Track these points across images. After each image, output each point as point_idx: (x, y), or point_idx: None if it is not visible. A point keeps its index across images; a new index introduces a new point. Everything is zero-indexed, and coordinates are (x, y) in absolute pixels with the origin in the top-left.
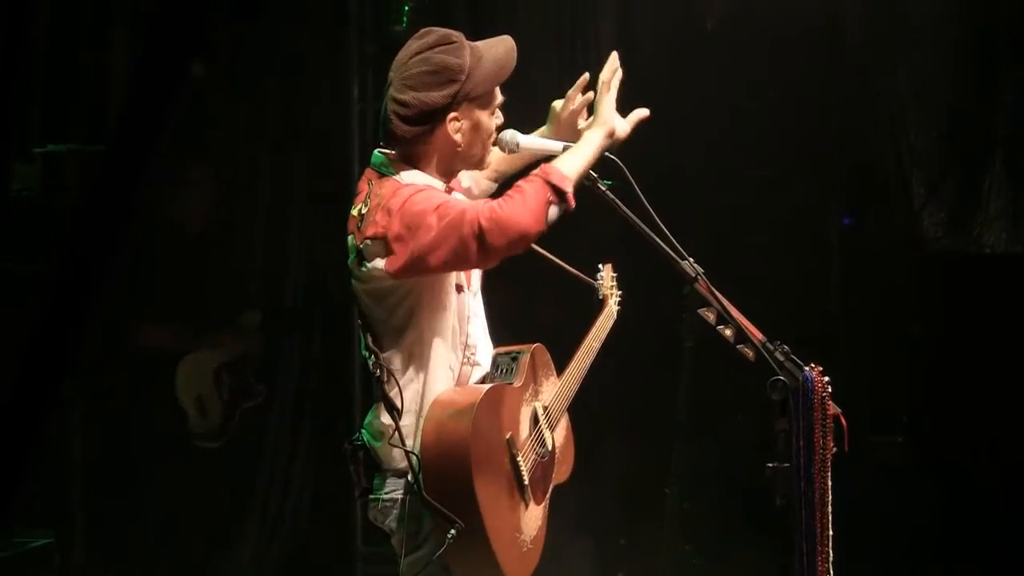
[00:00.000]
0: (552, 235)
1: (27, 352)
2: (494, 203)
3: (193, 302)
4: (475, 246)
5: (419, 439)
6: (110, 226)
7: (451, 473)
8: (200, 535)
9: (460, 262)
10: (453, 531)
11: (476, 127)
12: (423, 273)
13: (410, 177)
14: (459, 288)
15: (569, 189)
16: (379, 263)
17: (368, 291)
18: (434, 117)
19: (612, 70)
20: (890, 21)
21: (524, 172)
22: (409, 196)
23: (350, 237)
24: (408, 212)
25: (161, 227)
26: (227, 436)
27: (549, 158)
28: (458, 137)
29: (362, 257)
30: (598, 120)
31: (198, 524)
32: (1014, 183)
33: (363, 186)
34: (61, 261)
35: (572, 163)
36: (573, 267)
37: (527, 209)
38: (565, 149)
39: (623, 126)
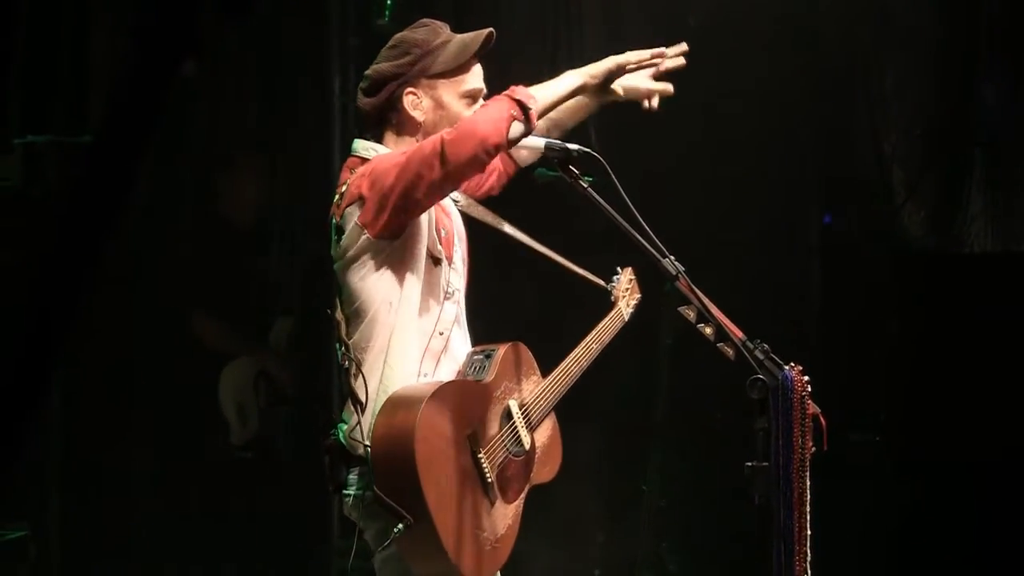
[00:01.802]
0: (537, 231)
1: (4, 344)
2: (462, 127)
3: (237, 304)
4: (437, 161)
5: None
6: (96, 225)
7: (398, 467)
8: (178, 529)
9: (425, 186)
10: (401, 526)
11: (440, 106)
12: (394, 216)
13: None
14: (436, 260)
15: (533, 107)
16: (354, 221)
17: (343, 266)
18: (385, 86)
19: (659, 54)
20: (871, 21)
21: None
22: (381, 157)
23: (331, 219)
24: (377, 169)
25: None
26: (261, 446)
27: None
28: (416, 114)
29: (341, 231)
30: (588, 65)
31: (176, 517)
32: (993, 183)
33: (344, 174)
34: (44, 257)
35: (542, 88)
36: (581, 267)
37: (488, 119)
38: (548, 146)
39: (600, 69)
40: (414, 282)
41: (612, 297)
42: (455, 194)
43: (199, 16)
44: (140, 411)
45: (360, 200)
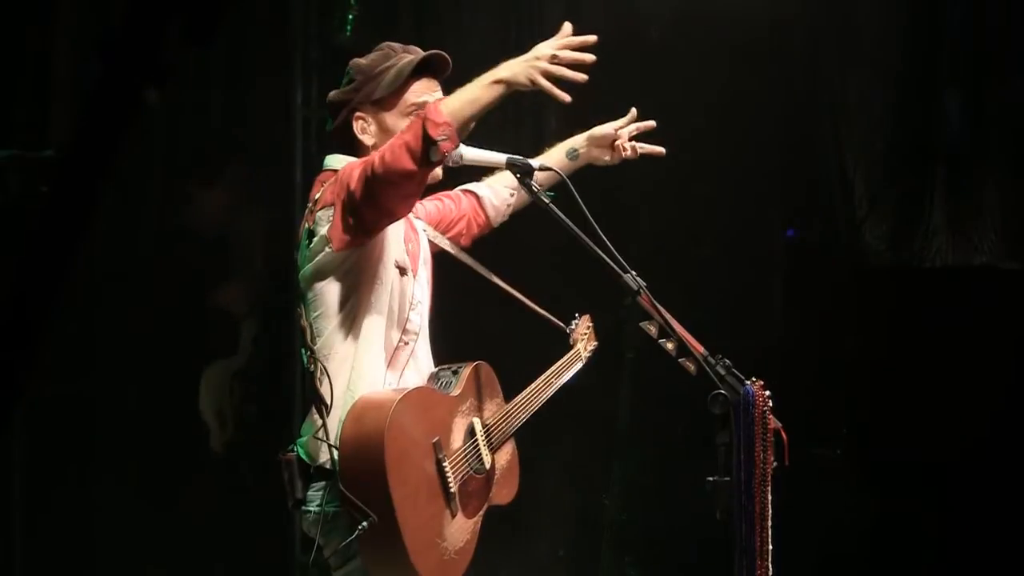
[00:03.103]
0: (496, 246)
1: None
2: (385, 147)
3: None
4: (363, 187)
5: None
6: (62, 238)
7: (366, 466)
8: (142, 541)
9: (366, 204)
10: (365, 524)
11: (384, 130)
12: (354, 227)
13: None
14: (403, 271)
15: (444, 131)
16: (323, 229)
17: (310, 273)
18: (339, 113)
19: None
20: (834, 35)
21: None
22: (349, 164)
23: (303, 226)
24: (344, 173)
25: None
26: (233, 447)
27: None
28: (365, 138)
29: (312, 235)
30: (503, 65)
31: (140, 530)
32: (955, 197)
33: (316, 187)
34: (8, 270)
35: (450, 102)
36: (541, 299)
37: (407, 150)
38: (509, 162)
39: (522, 73)
40: (380, 291)
41: (571, 340)
42: (422, 224)
43: (164, 40)
44: (107, 414)
45: (331, 206)
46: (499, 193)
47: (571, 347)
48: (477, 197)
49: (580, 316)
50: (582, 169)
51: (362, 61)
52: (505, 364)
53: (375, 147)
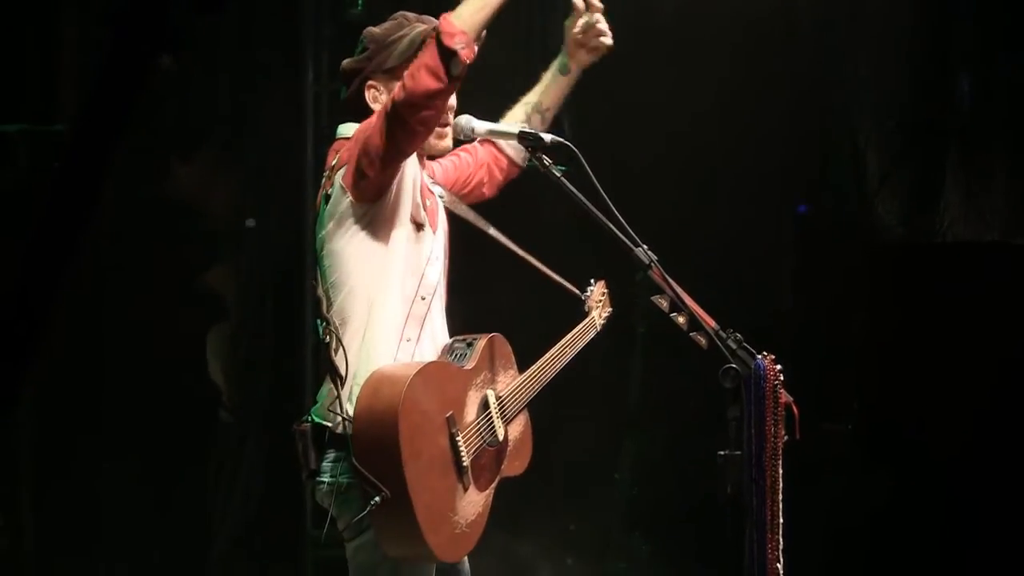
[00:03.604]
0: (507, 220)
1: None
2: (405, 75)
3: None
4: (385, 124)
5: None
6: (72, 214)
7: (380, 441)
8: (150, 518)
9: (393, 144)
10: (377, 499)
11: None
12: (373, 177)
13: None
14: (419, 226)
15: (460, 39)
16: (339, 182)
17: (327, 236)
18: (352, 81)
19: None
20: (845, 9)
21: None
22: (363, 124)
23: (320, 194)
24: (361, 130)
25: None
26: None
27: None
28: (376, 107)
29: (329, 198)
30: None
31: (148, 507)
32: (966, 173)
33: (331, 155)
34: (19, 247)
35: (461, 11)
36: (555, 272)
37: (428, 70)
38: (521, 134)
39: None
40: (397, 246)
41: (586, 307)
42: (440, 189)
43: (174, 8)
44: (114, 392)
45: (347, 164)
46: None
47: (586, 314)
48: (494, 144)
49: (596, 282)
50: (592, 144)
51: (376, 30)
52: (519, 336)
53: None
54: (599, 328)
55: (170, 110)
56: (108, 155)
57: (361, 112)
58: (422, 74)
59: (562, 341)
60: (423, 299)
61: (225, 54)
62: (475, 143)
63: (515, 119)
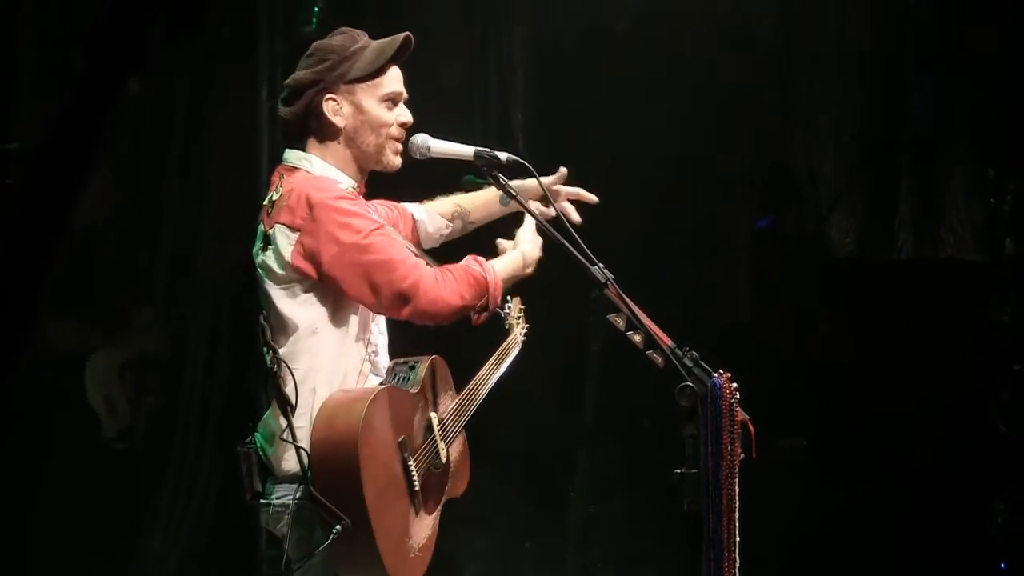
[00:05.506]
0: (460, 238)
1: None
2: (436, 274)
3: (87, 300)
4: (399, 302)
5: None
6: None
7: (339, 468)
8: (101, 537)
9: (368, 301)
10: (339, 527)
11: (360, 111)
12: (323, 282)
13: (321, 168)
14: None
15: (498, 299)
16: (286, 251)
17: (272, 282)
18: (304, 94)
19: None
20: (801, 27)
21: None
22: (335, 199)
23: (259, 225)
24: (332, 220)
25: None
26: (133, 437)
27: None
28: (337, 119)
29: (269, 242)
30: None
31: (99, 526)
32: (921, 190)
33: (275, 179)
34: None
35: (505, 272)
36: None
37: (466, 302)
38: (477, 154)
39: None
40: (349, 315)
41: (506, 324)
42: (424, 220)
43: (148, 31)
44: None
45: (299, 236)
46: (435, 221)
47: (507, 331)
48: (413, 219)
49: (511, 299)
50: (548, 161)
51: (332, 42)
52: (452, 354)
53: (346, 129)
54: (520, 344)
55: (124, 126)
56: (66, 176)
57: (307, 129)
58: (458, 298)
59: (490, 360)
60: (371, 359)
61: (180, 70)
62: (404, 207)
63: (440, 211)
